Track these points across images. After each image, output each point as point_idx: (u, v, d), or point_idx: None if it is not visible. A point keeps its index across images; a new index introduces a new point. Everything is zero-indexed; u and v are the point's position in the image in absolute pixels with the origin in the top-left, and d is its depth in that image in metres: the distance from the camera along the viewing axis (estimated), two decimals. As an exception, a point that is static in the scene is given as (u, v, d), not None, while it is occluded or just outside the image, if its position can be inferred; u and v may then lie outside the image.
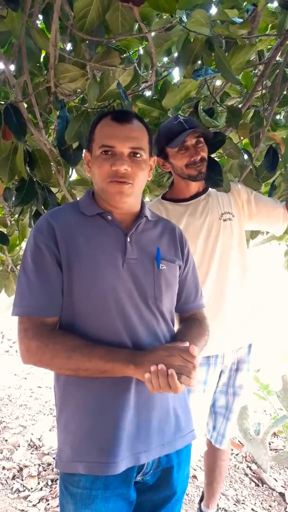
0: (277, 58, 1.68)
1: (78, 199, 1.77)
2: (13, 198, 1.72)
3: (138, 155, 1.06)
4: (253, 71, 1.93)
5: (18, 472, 2.51)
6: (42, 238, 1.03)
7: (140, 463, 1.02)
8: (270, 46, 1.77)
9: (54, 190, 1.81)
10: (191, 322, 1.24)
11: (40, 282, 1.00)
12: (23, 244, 2.46)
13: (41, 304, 1.00)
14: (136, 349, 1.02)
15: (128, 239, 1.08)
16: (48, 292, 1.01)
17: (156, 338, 1.07)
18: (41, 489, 2.36)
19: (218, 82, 1.92)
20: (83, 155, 1.16)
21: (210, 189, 1.72)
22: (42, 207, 1.76)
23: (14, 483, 2.40)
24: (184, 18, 1.50)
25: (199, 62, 1.54)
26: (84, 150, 1.14)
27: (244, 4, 1.62)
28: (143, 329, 1.05)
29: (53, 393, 1.14)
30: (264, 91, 1.69)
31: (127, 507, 1.04)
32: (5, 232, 2.12)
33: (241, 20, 1.42)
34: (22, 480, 2.44)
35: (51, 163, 1.73)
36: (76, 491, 1.00)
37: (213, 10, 1.57)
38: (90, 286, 1.02)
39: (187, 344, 0.99)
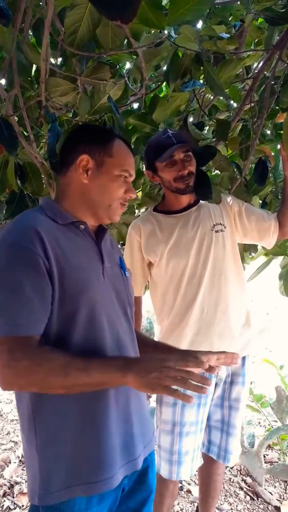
0: (264, 72, 1.71)
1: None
2: (4, 211, 1.71)
3: None
4: (240, 85, 1.96)
5: (9, 489, 2.47)
6: (30, 245, 0.93)
7: (138, 468, 1.04)
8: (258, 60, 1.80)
9: (45, 203, 1.80)
10: (139, 331, 1.40)
11: (28, 297, 0.90)
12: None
13: (30, 321, 0.90)
14: (119, 354, 1.05)
15: (101, 248, 1.11)
16: (37, 307, 0.91)
17: (130, 342, 1.11)
18: (32, 507, 2.31)
19: (207, 96, 1.94)
20: (80, 157, 1.09)
21: (201, 200, 1.73)
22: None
23: (5, 501, 2.35)
24: (173, 34, 1.53)
25: (188, 76, 1.56)
26: (84, 154, 1.08)
27: (230, 19, 1.66)
28: (123, 335, 1.08)
29: (22, 424, 1.03)
30: (252, 105, 1.71)
31: None
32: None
33: (228, 35, 1.45)
34: (13, 497, 2.39)
35: (42, 176, 1.73)
36: None
37: (201, 25, 1.61)
38: (83, 296, 0.99)
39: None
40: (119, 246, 1.33)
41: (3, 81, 1.65)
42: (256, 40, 1.80)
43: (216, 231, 1.66)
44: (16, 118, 1.58)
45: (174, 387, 0.84)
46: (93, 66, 1.41)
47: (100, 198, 1.10)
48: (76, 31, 1.28)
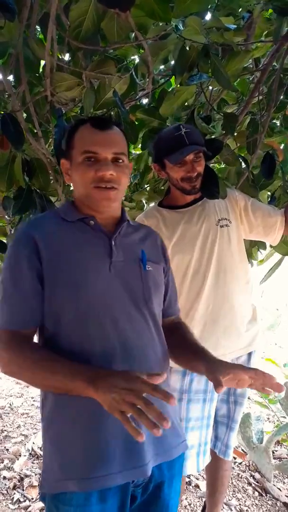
0: (274, 64, 1.69)
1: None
2: (11, 207, 1.72)
3: (121, 161, 1.07)
4: (250, 78, 1.93)
5: (19, 482, 2.49)
6: (21, 249, 1.01)
7: (146, 475, 0.98)
8: (267, 52, 1.77)
9: (52, 199, 1.81)
10: (185, 329, 1.26)
11: (15, 295, 0.99)
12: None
13: (13, 317, 0.99)
14: (125, 353, 1.00)
15: (113, 242, 1.08)
16: (23, 305, 0.99)
17: (146, 342, 1.06)
18: (42, 499, 2.33)
19: (216, 89, 1.92)
20: (60, 164, 1.15)
21: None
22: (41, 215, 1.76)
23: (14, 493, 2.38)
24: (181, 26, 1.51)
25: (196, 69, 1.54)
26: (61, 159, 1.14)
27: (240, 10, 1.63)
28: (132, 332, 1.04)
29: (40, 408, 1.09)
30: (260, 97, 1.69)
31: None
32: (5, 241, 2.12)
33: (235, 26, 1.42)
34: (23, 490, 2.42)
35: (50, 172, 1.74)
36: (67, 509, 0.95)
37: (209, 17, 1.59)
38: (76, 293, 1.00)
39: (163, 376, 0.86)
40: (154, 237, 1.26)
41: (10, 77, 1.65)
42: (265, 32, 1.78)
43: (221, 226, 1.64)
44: (24, 114, 1.59)
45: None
46: (98, 60, 1.40)
47: (80, 192, 1.09)
48: (81, 24, 1.28)
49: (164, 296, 1.22)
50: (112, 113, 1.58)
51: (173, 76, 1.77)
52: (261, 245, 2.18)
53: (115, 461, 0.95)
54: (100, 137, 1.05)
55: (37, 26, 1.59)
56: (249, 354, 1.77)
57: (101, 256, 1.06)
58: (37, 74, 1.69)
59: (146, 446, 0.99)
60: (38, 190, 1.72)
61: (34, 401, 3.72)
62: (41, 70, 1.71)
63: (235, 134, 1.76)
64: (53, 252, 1.01)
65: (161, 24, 1.55)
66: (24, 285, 0.99)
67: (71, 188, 1.98)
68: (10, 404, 3.61)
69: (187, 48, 1.50)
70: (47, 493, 0.99)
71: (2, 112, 1.52)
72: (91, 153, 1.04)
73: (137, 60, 1.88)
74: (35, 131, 1.63)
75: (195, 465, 1.71)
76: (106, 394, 0.80)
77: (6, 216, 2.14)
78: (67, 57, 1.72)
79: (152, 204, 2.26)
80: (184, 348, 1.17)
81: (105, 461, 0.94)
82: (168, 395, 0.78)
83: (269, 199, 2.10)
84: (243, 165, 1.83)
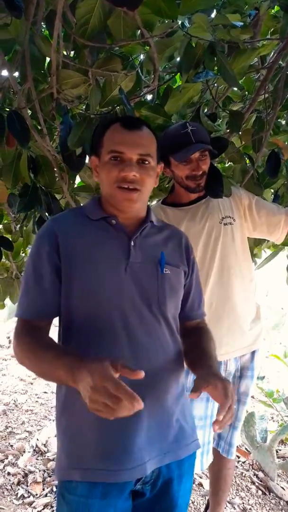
0: (279, 62, 1.68)
1: (82, 205, 1.77)
2: (17, 204, 1.72)
3: (147, 162, 1.07)
4: (255, 76, 1.92)
5: (23, 478, 2.51)
6: (44, 244, 1.05)
7: (146, 474, 0.99)
8: (273, 51, 1.76)
9: (57, 196, 1.82)
10: (202, 332, 1.23)
11: (33, 287, 1.04)
12: (28, 250, 2.46)
13: (29, 307, 1.04)
14: (133, 351, 1.01)
15: (132, 243, 1.08)
16: (39, 297, 1.03)
17: (157, 343, 1.06)
18: (46, 495, 2.35)
19: (221, 87, 1.92)
20: (90, 160, 1.15)
21: None
22: (46, 213, 1.77)
23: (19, 489, 2.39)
24: (187, 23, 1.51)
25: (202, 67, 1.54)
26: (92, 156, 1.15)
27: (246, 8, 1.62)
28: (143, 334, 1.04)
29: (55, 398, 1.12)
30: (266, 96, 1.68)
31: None
32: (10, 239, 2.12)
33: (242, 23, 1.42)
34: (27, 486, 2.43)
35: (55, 169, 1.74)
36: (72, 499, 0.98)
37: (214, 15, 1.58)
38: (89, 291, 1.02)
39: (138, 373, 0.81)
40: (178, 239, 1.23)
41: (16, 74, 1.66)
42: (271, 30, 1.77)
43: (225, 224, 1.64)
44: (29, 111, 1.59)
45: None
46: (104, 58, 1.40)
47: (105, 191, 1.11)
48: (88, 22, 1.28)
49: (185, 299, 1.21)
50: (117, 110, 1.58)
51: (178, 73, 1.77)
52: (264, 243, 2.17)
53: (117, 458, 0.97)
54: (127, 137, 1.05)
55: (43, 23, 1.60)
56: (253, 353, 1.76)
57: (118, 256, 1.06)
58: (43, 71, 1.69)
59: (148, 446, 1.00)
60: (43, 187, 1.73)
61: (38, 398, 3.73)
62: (46, 67, 1.71)
63: (240, 132, 1.75)
64: (72, 250, 1.04)
65: (167, 21, 1.55)
66: (43, 280, 1.03)
67: (76, 185, 1.99)
68: (15, 401, 3.62)
69: (193, 45, 1.50)
70: (58, 481, 1.03)
71: (7, 109, 1.52)
72: (117, 153, 1.05)
73: (142, 57, 1.88)
74: (40, 128, 1.63)
75: (199, 464, 1.71)
76: (84, 394, 0.78)
77: (11, 213, 2.15)
78: (72, 54, 1.72)
79: (154, 202, 2.26)
80: (194, 350, 1.16)
81: (109, 457, 0.96)
82: (133, 397, 0.75)
83: (272, 197, 2.10)
84: (248, 163, 1.83)
